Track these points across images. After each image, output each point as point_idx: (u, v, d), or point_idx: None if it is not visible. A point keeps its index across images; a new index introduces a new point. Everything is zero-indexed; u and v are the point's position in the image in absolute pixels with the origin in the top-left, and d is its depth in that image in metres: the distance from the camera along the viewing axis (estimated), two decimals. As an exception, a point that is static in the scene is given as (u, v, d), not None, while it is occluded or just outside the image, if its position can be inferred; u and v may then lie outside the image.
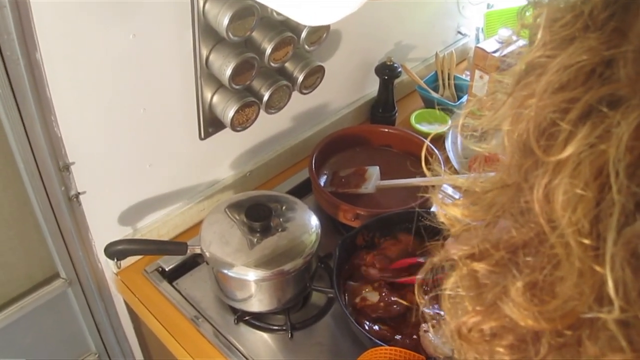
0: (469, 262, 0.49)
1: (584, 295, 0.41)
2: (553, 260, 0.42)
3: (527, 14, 0.46)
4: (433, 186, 0.62)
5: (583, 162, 0.39)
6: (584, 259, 0.40)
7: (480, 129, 0.51)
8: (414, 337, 1.19)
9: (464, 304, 0.51)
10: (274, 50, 1.22)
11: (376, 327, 1.21)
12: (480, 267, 0.48)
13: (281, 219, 1.26)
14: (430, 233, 1.33)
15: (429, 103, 1.82)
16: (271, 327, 1.30)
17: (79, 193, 1.23)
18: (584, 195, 0.39)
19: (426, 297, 0.83)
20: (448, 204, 0.52)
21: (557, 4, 0.43)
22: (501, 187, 0.48)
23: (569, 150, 0.40)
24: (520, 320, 0.44)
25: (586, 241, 0.40)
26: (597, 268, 0.40)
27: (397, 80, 1.71)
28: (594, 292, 0.41)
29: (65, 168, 1.17)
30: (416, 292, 0.57)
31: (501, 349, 0.49)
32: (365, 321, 1.22)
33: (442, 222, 0.53)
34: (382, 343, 1.11)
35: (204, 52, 1.19)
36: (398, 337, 1.20)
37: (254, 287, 1.22)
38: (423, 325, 1.20)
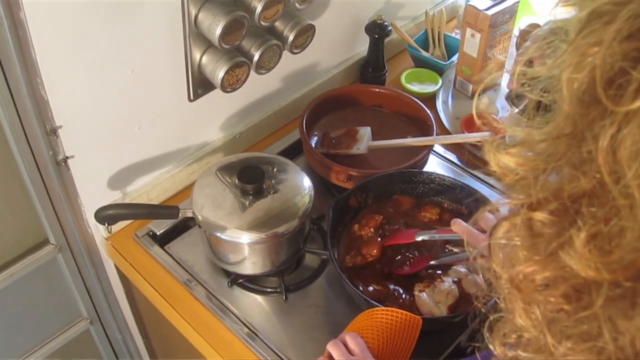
0: (528, 211, 0.49)
1: None
2: (617, 212, 0.42)
3: None
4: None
5: None
6: None
7: (536, 78, 0.50)
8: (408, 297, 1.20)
9: (517, 253, 0.50)
10: (264, 8, 1.19)
11: (371, 288, 1.21)
12: (541, 216, 0.48)
13: (273, 181, 1.25)
14: (427, 194, 1.33)
15: (419, 62, 1.80)
16: (265, 289, 1.29)
17: (67, 157, 1.20)
18: None
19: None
20: (502, 153, 0.51)
21: None
22: (558, 137, 0.47)
23: None
24: (581, 271, 0.44)
25: None
26: None
27: (387, 40, 1.68)
28: None
29: (52, 132, 1.14)
30: (465, 244, 0.56)
31: (553, 299, 0.49)
32: (360, 282, 1.21)
33: (494, 172, 0.53)
34: (377, 303, 1.10)
35: (193, 11, 1.16)
36: (391, 296, 1.20)
37: (247, 250, 1.21)
38: (417, 285, 1.20)
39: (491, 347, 0.58)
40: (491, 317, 0.57)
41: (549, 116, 0.49)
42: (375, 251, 1.24)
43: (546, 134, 0.48)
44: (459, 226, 1.07)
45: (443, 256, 1.23)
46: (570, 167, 0.45)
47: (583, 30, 0.44)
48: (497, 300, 0.56)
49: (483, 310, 0.60)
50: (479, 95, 1.70)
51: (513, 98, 1.24)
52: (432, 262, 1.21)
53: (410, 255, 1.24)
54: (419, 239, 1.21)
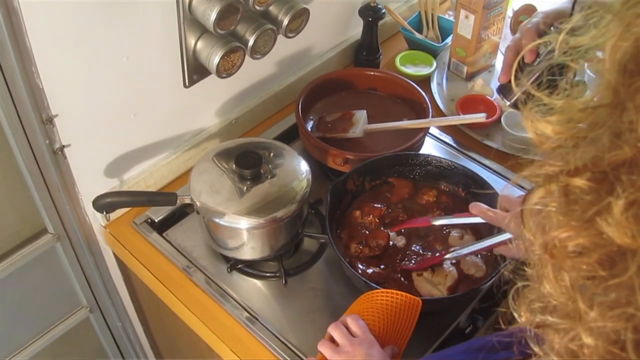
0: (566, 177, 0.49)
1: None
2: None
3: None
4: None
5: None
6: None
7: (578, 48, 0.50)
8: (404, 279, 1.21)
9: (552, 220, 0.50)
10: (258, -8, 1.19)
11: (370, 271, 1.21)
12: (580, 182, 0.48)
13: (270, 166, 1.25)
14: (424, 176, 1.33)
15: (413, 45, 1.80)
16: (264, 274, 1.30)
17: (63, 146, 1.20)
18: None
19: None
20: (540, 120, 0.51)
21: None
22: (598, 106, 0.47)
23: None
24: (618, 238, 0.45)
25: None
26: None
27: (380, 22, 1.68)
28: None
29: (48, 121, 1.14)
30: (498, 203, 0.56)
31: (585, 266, 0.49)
32: (359, 264, 1.22)
33: (531, 138, 0.53)
34: (377, 286, 1.11)
35: (187, -4, 1.16)
36: (391, 279, 1.21)
37: (246, 235, 1.21)
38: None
39: (516, 314, 0.58)
40: (518, 284, 0.58)
41: (581, 89, 0.49)
42: (383, 242, 1.24)
43: (586, 103, 0.48)
44: (478, 208, 1.07)
45: (455, 249, 1.21)
46: (611, 136, 0.46)
47: (627, 3, 0.44)
48: (526, 267, 0.57)
49: (510, 276, 0.60)
50: (473, 78, 1.70)
51: (503, 90, 1.24)
52: (446, 257, 1.20)
53: (418, 250, 1.25)
54: (436, 223, 1.21)
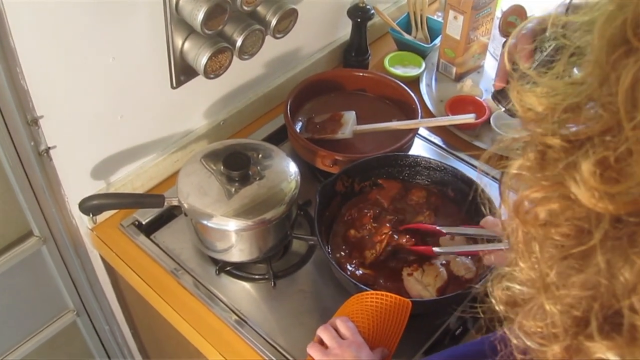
0: (541, 137, 0.49)
1: None
2: (628, 152, 0.42)
3: None
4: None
5: None
6: None
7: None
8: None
9: (526, 181, 0.51)
10: (246, -8, 1.18)
11: (359, 272, 1.21)
12: (555, 141, 0.48)
13: (259, 167, 1.24)
14: (413, 177, 1.32)
15: (402, 45, 1.80)
16: (253, 276, 1.29)
17: (49, 148, 1.19)
18: None
19: None
20: (526, 91, 0.51)
21: None
22: (584, 82, 0.47)
23: None
24: (585, 199, 0.44)
25: None
26: None
27: (369, 23, 1.67)
28: None
29: (33, 122, 1.13)
30: (504, 181, 0.56)
31: (555, 236, 0.48)
32: (348, 266, 1.21)
33: (516, 110, 0.52)
34: (366, 288, 1.10)
35: (174, -4, 1.15)
36: (380, 280, 1.20)
37: (234, 237, 1.20)
38: (406, 268, 1.20)
39: (493, 299, 0.58)
40: (494, 273, 0.58)
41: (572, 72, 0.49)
42: (381, 246, 1.24)
43: (573, 80, 0.48)
44: (491, 222, 1.09)
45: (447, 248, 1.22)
46: (590, 110, 0.46)
47: None
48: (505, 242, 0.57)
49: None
50: (462, 78, 1.69)
51: (498, 96, 1.23)
52: (435, 249, 1.20)
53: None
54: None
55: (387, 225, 1.24)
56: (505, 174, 0.53)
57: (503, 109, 1.19)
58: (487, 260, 1.10)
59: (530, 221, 0.51)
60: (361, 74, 1.60)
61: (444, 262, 1.20)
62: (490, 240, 1.16)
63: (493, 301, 0.58)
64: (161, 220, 1.38)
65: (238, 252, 1.24)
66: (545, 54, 1.05)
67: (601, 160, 0.44)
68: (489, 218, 1.09)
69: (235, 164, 1.19)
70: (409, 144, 1.45)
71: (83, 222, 1.37)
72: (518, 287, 0.54)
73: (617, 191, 0.43)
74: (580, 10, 0.49)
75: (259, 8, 1.28)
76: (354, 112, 1.47)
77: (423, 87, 1.69)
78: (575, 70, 0.50)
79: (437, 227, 1.22)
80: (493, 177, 1.42)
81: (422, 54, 1.75)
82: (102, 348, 1.76)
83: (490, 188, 1.22)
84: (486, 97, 1.63)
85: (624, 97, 0.41)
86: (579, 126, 0.47)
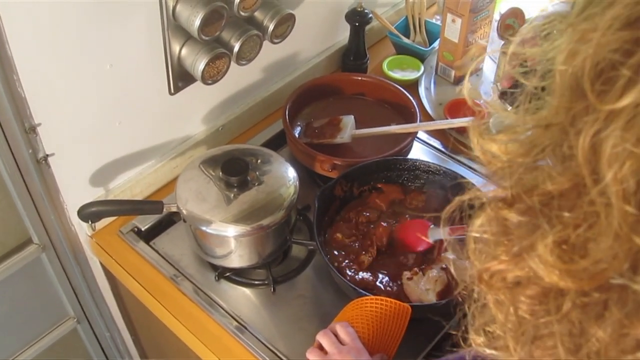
0: (500, 206, 0.47)
1: (617, 260, 0.39)
2: (590, 218, 0.40)
3: None
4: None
5: (639, 116, 0.36)
6: (623, 223, 0.37)
7: (530, 61, 0.47)
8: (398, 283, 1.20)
9: (488, 249, 0.48)
10: (243, -2, 1.18)
11: (358, 277, 1.20)
12: (510, 215, 0.46)
13: (257, 173, 1.24)
14: (412, 181, 1.32)
15: (400, 49, 1.79)
16: (253, 282, 1.29)
17: (47, 155, 1.19)
18: (634, 152, 0.36)
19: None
20: (486, 138, 0.49)
21: None
22: (545, 127, 0.44)
23: (626, 101, 0.36)
24: (546, 277, 0.43)
25: (629, 208, 0.37)
26: (636, 239, 0.37)
27: (367, 27, 1.67)
28: (629, 259, 0.39)
29: (31, 130, 1.13)
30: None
31: (524, 298, 0.47)
32: (348, 271, 1.21)
33: (478, 157, 0.50)
34: (366, 292, 1.10)
35: (171, 3, 1.14)
36: (380, 285, 1.20)
37: (233, 243, 1.20)
38: (406, 272, 1.20)
39: (471, 337, 0.56)
40: (472, 307, 0.55)
41: (540, 104, 0.46)
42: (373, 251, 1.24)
43: (536, 121, 0.45)
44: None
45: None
46: (552, 162, 0.43)
47: (582, 12, 0.41)
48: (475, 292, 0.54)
49: (464, 297, 0.57)
50: (464, 80, 1.69)
51: (506, 95, 1.23)
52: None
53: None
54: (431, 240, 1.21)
55: (383, 224, 1.24)
56: (470, 225, 0.51)
57: (510, 108, 1.18)
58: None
59: (496, 285, 0.49)
60: (360, 78, 1.60)
61: (444, 266, 1.20)
62: None
63: (473, 343, 0.56)
64: (160, 226, 1.38)
65: (237, 257, 1.24)
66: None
67: (559, 239, 0.42)
68: None
69: (234, 170, 1.19)
70: (408, 148, 1.44)
71: (82, 229, 1.36)
72: (488, 350, 0.53)
73: (578, 269, 0.41)
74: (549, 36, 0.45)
75: (256, 13, 1.28)
76: (352, 117, 1.47)
77: (422, 90, 1.69)
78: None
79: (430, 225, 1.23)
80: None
81: (421, 57, 1.75)
82: (103, 355, 1.76)
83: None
84: (484, 100, 1.63)
85: (585, 157, 0.39)
86: (535, 184, 0.44)
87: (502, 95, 1.23)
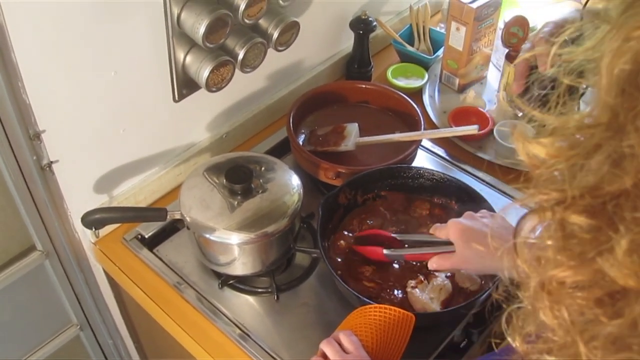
0: (562, 210, 0.44)
1: None
2: None
3: None
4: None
5: None
6: None
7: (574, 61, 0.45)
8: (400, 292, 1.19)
9: (548, 255, 0.46)
10: (247, 6, 1.17)
11: (362, 285, 1.20)
12: (578, 219, 0.43)
13: (261, 180, 1.23)
14: (416, 189, 1.32)
15: (404, 57, 1.80)
16: (256, 289, 1.28)
17: (51, 162, 1.19)
18: None
19: None
20: (531, 141, 0.47)
21: None
22: (595, 126, 0.43)
23: None
24: (621, 280, 0.41)
25: None
26: None
27: (371, 35, 1.67)
28: None
29: (35, 136, 1.13)
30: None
31: (584, 302, 0.45)
32: (352, 280, 1.21)
33: (523, 161, 0.48)
34: (370, 301, 1.10)
35: (175, 10, 1.15)
36: (384, 293, 1.19)
37: (237, 250, 1.20)
38: (410, 281, 1.20)
39: (510, 340, 0.53)
40: (510, 308, 0.53)
41: (572, 105, 0.45)
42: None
43: (581, 120, 0.44)
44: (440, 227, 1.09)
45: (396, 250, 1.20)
46: (610, 162, 0.41)
47: (627, 11, 0.40)
48: (519, 292, 0.52)
49: (500, 299, 0.56)
50: (465, 90, 1.69)
51: (516, 100, 1.22)
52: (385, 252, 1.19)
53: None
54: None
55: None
56: (519, 229, 0.49)
57: (520, 113, 1.18)
58: (431, 264, 1.08)
59: (557, 292, 0.47)
60: (364, 86, 1.60)
61: (448, 274, 1.19)
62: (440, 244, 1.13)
63: (515, 347, 0.53)
64: (164, 233, 1.38)
65: (241, 265, 1.23)
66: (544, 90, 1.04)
67: (636, 241, 0.40)
68: (437, 225, 1.09)
69: (238, 177, 1.19)
70: (412, 156, 1.44)
71: (86, 236, 1.36)
72: (549, 358, 0.50)
73: None
74: (582, 43, 0.44)
75: (260, 21, 1.28)
76: (356, 124, 1.47)
77: (426, 98, 1.69)
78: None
79: (392, 235, 1.22)
80: (499, 189, 1.43)
81: (425, 65, 1.75)
82: (106, 362, 1.75)
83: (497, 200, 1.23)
84: (489, 108, 1.63)
85: None
86: (597, 185, 0.42)
87: (515, 99, 1.21)
